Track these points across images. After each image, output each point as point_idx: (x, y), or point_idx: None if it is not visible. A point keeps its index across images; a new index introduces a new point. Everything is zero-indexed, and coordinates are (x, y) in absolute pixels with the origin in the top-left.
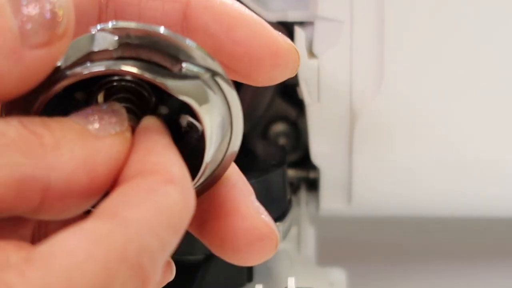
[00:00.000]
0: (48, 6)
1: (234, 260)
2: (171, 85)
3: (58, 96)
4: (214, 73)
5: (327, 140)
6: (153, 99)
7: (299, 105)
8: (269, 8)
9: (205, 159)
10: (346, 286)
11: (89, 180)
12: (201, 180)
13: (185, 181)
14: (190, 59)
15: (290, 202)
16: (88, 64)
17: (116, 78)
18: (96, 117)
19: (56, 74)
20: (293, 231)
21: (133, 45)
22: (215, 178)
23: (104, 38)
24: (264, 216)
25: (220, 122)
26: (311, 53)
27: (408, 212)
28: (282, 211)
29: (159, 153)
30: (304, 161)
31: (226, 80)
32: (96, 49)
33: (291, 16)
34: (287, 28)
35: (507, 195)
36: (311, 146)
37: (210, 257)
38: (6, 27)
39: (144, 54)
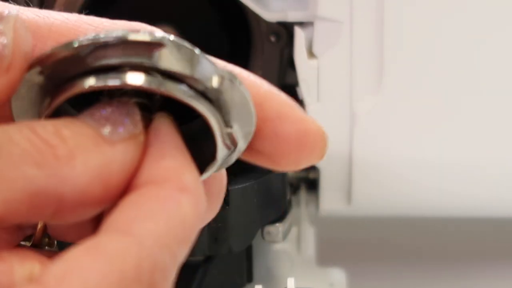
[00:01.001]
0: None
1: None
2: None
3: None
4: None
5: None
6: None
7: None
8: (269, 8)
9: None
10: (346, 287)
11: (103, 190)
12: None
13: (197, 189)
14: None
15: (290, 202)
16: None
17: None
18: (110, 119)
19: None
20: (293, 231)
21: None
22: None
23: (205, 67)
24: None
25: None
26: (311, 53)
27: (408, 212)
28: (282, 211)
29: (172, 157)
30: None
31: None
32: (197, 75)
33: (291, 16)
34: (287, 28)
35: (506, 195)
36: None
37: (210, 258)
38: None
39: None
